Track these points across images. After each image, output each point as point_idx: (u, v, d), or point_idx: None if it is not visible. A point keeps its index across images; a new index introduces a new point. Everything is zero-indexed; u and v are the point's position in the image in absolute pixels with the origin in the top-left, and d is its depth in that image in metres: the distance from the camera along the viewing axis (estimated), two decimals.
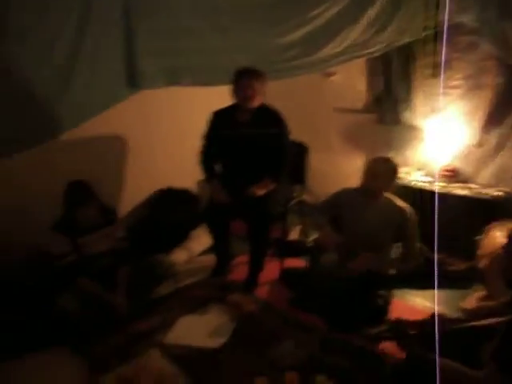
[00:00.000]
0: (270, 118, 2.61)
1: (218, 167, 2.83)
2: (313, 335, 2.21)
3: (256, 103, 2.57)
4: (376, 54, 3.18)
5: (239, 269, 2.89)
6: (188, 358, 2.10)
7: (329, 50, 2.99)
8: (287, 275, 2.59)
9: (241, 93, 2.54)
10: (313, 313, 2.37)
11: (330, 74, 3.73)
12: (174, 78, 3.17)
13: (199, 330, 2.30)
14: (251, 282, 2.71)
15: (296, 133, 2.89)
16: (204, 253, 3.18)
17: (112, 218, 2.56)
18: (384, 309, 2.13)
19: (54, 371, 1.97)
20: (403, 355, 1.91)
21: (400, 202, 2.25)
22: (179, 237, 3.21)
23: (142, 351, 2.15)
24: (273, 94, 3.06)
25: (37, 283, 2.34)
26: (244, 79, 2.53)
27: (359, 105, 3.73)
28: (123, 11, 2.84)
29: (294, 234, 3.38)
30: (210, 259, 2.99)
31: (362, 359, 2.05)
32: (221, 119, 2.70)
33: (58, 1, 2.50)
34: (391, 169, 2.22)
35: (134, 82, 3.05)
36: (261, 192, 2.54)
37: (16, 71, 2.46)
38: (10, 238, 2.45)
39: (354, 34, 2.95)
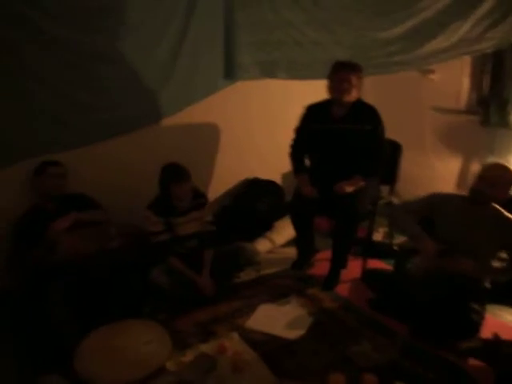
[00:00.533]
0: (366, 114, 2.55)
1: (307, 161, 2.83)
2: (393, 340, 2.15)
3: (352, 98, 2.52)
4: (487, 51, 2.96)
5: (321, 264, 2.87)
6: (265, 345, 2.16)
7: (435, 44, 2.85)
8: (370, 276, 2.53)
9: (337, 86, 2.50)
10: (394, 317, 2.30)
11: (429, 72, 3.53)
12: (270, 70, 3.24)
13: (278, 319, 2.35)
14: (333, 279, 2.68)
15: (390, 131, 2.79)
16: (286, 244, 3.20)
17: (202, 202, 2.67)
18: (477, 324, 2.00)
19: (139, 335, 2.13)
20: (493, 374, 1.79)
21: (508, 214, 2.07)
22: (263, 227, 3.27)
23: (223, 333, 2.24)
24: (369, 89, 2.99)
25: (134, 257, 2.53)
26: (341, 72, 2.49)
27: (460, 105, 3.50)
28: (226, 5, 2.96)
29: (377, 236, 3.28)
30: (292, 251, 3.01)
31: (448, 373, 1.95)
32: (314, 113, 2.69)
33: None
34: (510, 177, 2.04)
35: (231, 73, 3.17)
36: (350, 189, 2.49)
37: (128, 60, 2.68)
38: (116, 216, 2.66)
39: (464, 28, 2.77)
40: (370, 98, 2.72)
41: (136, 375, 1.88)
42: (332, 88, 2.55)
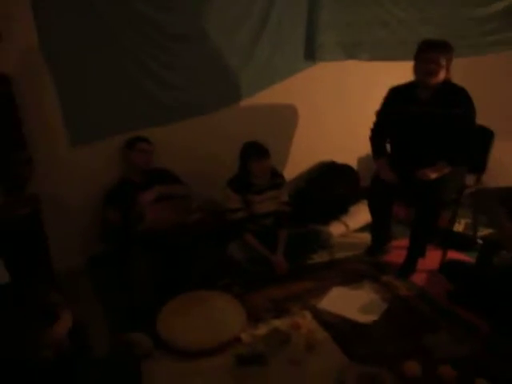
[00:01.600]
0: (456, 97, 2.39)
1: (387, 145, 2.74)
2: (474, 334, 2.06)
3: (439, 80, 2.37)
4: None
5: (396, 252, 2.80)
6: (337, 327, 2.17)
7: None
8: (450, 267, 2.41)
9: (423, 67, 2.36)
10: (474, 312, 2.19)
11: None
12: (352, 51, 3.17)
13: (351, 302, 2.34)
14: (409, 267, 2.60)
15: (481, 116, 2.61)
16: (361, 229, 3.16)
17: (279, 182, 2.70)
18: None
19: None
20: None
21: None
22: (338, 210, 3.24)
23: (295, 310, 2.28)
24: (460, 70, 2.81)
25: (213, 231, 2.64)
26: (428, 52, 2.34)
27: None
28: None
29: (458, 227, 3.13)
30: (366, 236, 2.97)
31: None
32: (398, 96, 2.58)
33: None
34: None
35: (312, 54, 3.14)
36: (435, 175, 2.37)
37: (212, 40, 2.75)
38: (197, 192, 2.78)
39: None
40: (460, 79, 2.56)
41: (212, 342, 1.98)
42: (418, 69, 2.41)
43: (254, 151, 2.51)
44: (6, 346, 1.31)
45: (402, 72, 2.57)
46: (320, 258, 2.80)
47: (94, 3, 2.37)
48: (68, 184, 2.66)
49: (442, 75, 2.35)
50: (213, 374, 1.87)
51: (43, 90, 2.46)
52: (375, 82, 2.98)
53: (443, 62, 2.32)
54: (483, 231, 2.93)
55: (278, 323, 2.15)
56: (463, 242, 2.88)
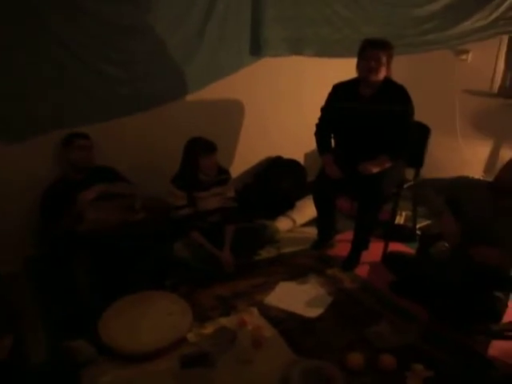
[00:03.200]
0: (395, 95, 2.47)
1: (332, 141, 2.79)
2: (412, 323, 2.15)
3: (380, 77, 2.44)
4: None
5: (341, 245, 2.86)
6: (284, 322, 2.18)
7: (472, 23, 2.74)
8: (391, 258, 2.50)
9: (365, 64, 2.42)
10: (414, 301, 2.29)
11: (462, 52, 3.41)
12: (297, 47, 3.18)
13: (298, 297, 2.37)
14: (353, 260, 2.67)
15: (419, 113, 2.72)
16: (307, 224, 3.20)
17: (225, 178, 2.67)
18: (500, 312, 1.97)
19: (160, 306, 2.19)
20: None
21: None
22: (284, 205, 3.26)
23: (242, 307, 2.27)
24: (399, 68, 2.90)
25: (158, 230, 2.57)
26: (370, 50, 2.41)
27: (494, 88, 3.38)
28: None
29: (399, 219, 3.25)
30: (312, 231, 3.01)
31: (466, 357, 1.95)
32: (341, 92, 2.63)
33: None
34: None
35: (258, 49, 3.13)
36: (376, 169, 2.44)
37: (155, 33, 2.66)
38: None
39: (503, 6, 2.65)
40: (399, 77, 2.64)
41: (158, 344, 1.93)
42: (360, 66, 2.47)
43: (201, 147, 2.47)
44: None
45: (349, 67, 2.60)
46: (267, 253, 2.82)
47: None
48: (3, 182, 2.49)
49: (382, 72, 2.42)
50: (157, 377, 1.82)
51: None
52: (323, 77, 3.01)
53: (384, 60, 2.38)
54: (422, 223, 3.06)
55: (225, 321, 2.14)
56: (404, 234, 3.00)
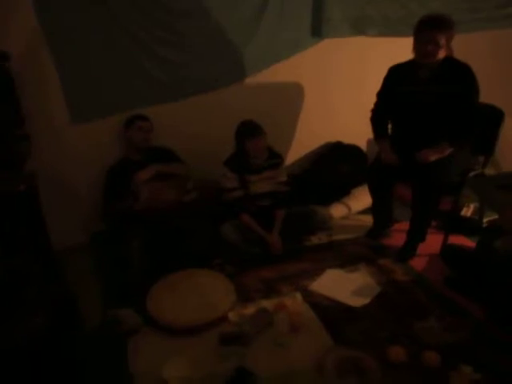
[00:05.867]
0: (457, 74, 2.27)
1: (390, 126, 2.65)
2: (465, 321, 2.00)
3: (438, 59, 2.24)
4: None
5: (398, 235, 2.73)
6: (326, 309, 2.15)
7: None
8: (449, 252, 2.35)
9: (421, 48, 2.24)
10: (470, 299, 2.14)
11: None
12: (360, 27, 3.06)
13: (344, 285, 2.31)
14: (408, 251, 2.53)
15: (491, 95, 2.48)
16: (363, 212, 3.09)
17: (278, 162, 2.66)
18: None
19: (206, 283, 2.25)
20: None
21: None
22: (340, 191, 3.18)
23: (286, 292, 2.27)
24: (468, 47, 2.66)
25: (209, 211, 2.64)
26: (426, 32, 2.20)
27: None
28: None
29: (466, 211, 3.01)
30: (368, 219, 2.90)
31: None
32: (398, 75, 2.47)
33: None
34: None
35: (319, 30, 3.04)
36: (434, 157, 2.28)
37: (213, 17, 2.69)
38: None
39: None
40: (473, 54, 2.41)
41: (198, 320, 1.99)
42: (416, 50, 2.29)
43: (247, 130, 2.48)
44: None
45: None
46: (318, 239, 2.77)
47: None
48: (68, 162, 2.70)
49: (441, 54, 2.23)
50: (197, 351, 1.88)
51: (43, 67, 2.48)
52: (390, 58, 2.85)
53: (442, 41, 2.18)
54: (490, 216, 2.82)
55: (266, 303, 2.15)
56: (468, 227, 2.78)
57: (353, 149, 3.46)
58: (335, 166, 3.31)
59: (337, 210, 3.01)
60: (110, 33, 2.50)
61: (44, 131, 2.56)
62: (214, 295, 2.17)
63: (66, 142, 2.67)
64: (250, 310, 2.11)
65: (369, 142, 3.64)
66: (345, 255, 2.63)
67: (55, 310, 1.84)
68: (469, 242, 2.61)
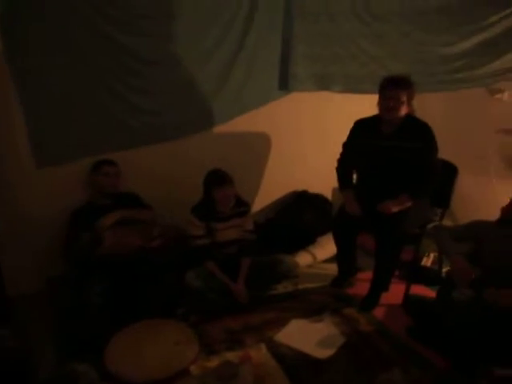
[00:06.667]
0: (418, 131, 2.42)
1: (354, 177, 2.75)
2: (427, 372, 2.02)
3: (400, 115, 2.39)
4: None
5: (362, 284, 2.76)
6: (291, 360, 2.12)
7: (502, 63, 2.66)
8: (411, 302, 2.40)
9: (384, 103, 2.39)
10: (432, 348, 2.17)
11: (496, 91, 3.30)
12: (324, 83, 3.21)
13: (309, 336, 2.30)
14: (371, 301, 2.56)
15: (447, 152, 2.65)
16: (328, 260, 3.13)
17: (245, 210, 2.68)
18: None
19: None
20: None
21: None
22: (305, 240, 3.22)
23: (250, 342, 2.23)
24: (429, 106, 2.84)
25: (173, 258, 2.60)
26: (389, 89, 2.37)
27: None
28: (285, 17, 2.99)
29: (426, 261, 3.11)
30: (334, 268, 2.93)
31: None
32: (363, 129, 2.60)
33: (229, 1, 2.75)
34: None
35: (285, 84, 3.18)
36: (396, 209, 2.37)
37: (184, 67, 2.78)
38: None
39: None
40: (430, 114, 2.58)
41: (160, 374, 1.91)
42: (380, 105, 2.44)
43: (215, 179, 2.51)
44: None
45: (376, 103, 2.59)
46: (284, 288, 2.77)
47: (65, 23, 2.38)
48: (30, 204, 2.63)
49: (402, 111, 2.38)
50: None
51: (8, 109, 2.45)
52: (350, 112, 3.00)
53: (403, 98, 2.34)
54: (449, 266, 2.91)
55: (230, 355, 2.09)
56: (429, 276, 2.86)
57: (318, 197, 3.54)
58: (300, 215, 3.36)
59: (302, 259, 3.03)
60: (78, 75, 2.51)
61: (8, 174, 2.50)
62: (177, 347, 2.10)
63: (30, 184, 2.61)
64: (213, 362, 2.05)
65: (334, 191, 3.74)
66: (310, 304, 2.62)
67: (5, 361, 1.73)
68: (429, 292, 2.68)
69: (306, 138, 3.48)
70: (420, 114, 2.60)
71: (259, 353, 2.13)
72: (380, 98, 2.42)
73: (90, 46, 2.50)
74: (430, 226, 2.62)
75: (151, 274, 2.40)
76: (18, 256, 2.59)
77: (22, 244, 2.63)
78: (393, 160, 2.44)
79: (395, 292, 2.65)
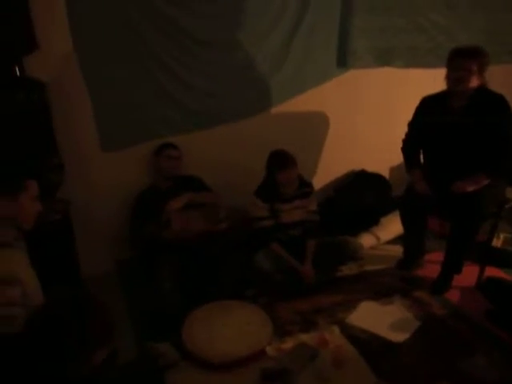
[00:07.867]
0: (491, 105, 2.26)
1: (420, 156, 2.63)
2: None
3: (471, 87, 2.24)
4: None
5: (429, 266, 2.68)
6: (366, 344, 2.09)
7: None
8: (490, 285, 2.30)
9: (453, 74, 2.25)
10: None
11: None
12: (385, 58, 3.09)
13: (382, 318, 2.26)
14: (444, 283, 2.47)
15: None
16: (392, 241, 3.05)
17: (308, 191, 2.64)
18: None
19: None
20: None
21: None
22: (368, 221, 3.14)
23: (323, 324, 2.21)
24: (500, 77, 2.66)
25: (240, 240, 2.60)
26: (457, 59, 2.23)
27: None
28: None
29: (496, 242, 2.97)
30: (397, 249, 2.86)
31: None
32: (430, 105, 2.46)
33: None
34: None
35: (344, 60, 3.08)
36: (471, 188, 2.25)
37: (242, 47, 2.73)
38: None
39: None
40: (500, 86, 2.42)
41: (237, 354, 1.93)
42: (448, 77, 2.30)
43: (278, 161, 2.47)
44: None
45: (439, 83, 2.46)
46: (349, 270, 2.71)
47: (126, 10, 2.39)
48: (98, 189, 2.69)
49: (473, 82, 2.23)
50: None
51: (77, 96, 2.49)
52: (412, 89, 2.87)
53: (474, 68, 2.20)
54: None
55: (305, 337, 2.09)
56: (502, 258, 2.73)
57: (376, 177, 3.45)
58: (360, 195, 3.29)
59: (365, 240, 2.96)
60: (141, 61, 2.52)
61: (73, 159, 2.56)
62: (251, 328, 2.11)
63: (95, 170, 2.67)
64: (288, 344, 2.05)
65: (392, 170, 3.64)
66: (378, 286, 2.57)
67: None
68: (504, 274, 2.56)
69: (364, 116, 3.37)
70: (492, 86, 2.45)
71: (333, 335, 2.11)
72: (448, 69, 2.29)
73: (150, 30, 2.49)
74: (507, 206, 2.48)
75: (219, 257, 2.42)
76: (91, 239, 2.67)
77: (94, 228, 2.70)
78: (464, 136, 2.30)
79: (467, 274, 2.55)
